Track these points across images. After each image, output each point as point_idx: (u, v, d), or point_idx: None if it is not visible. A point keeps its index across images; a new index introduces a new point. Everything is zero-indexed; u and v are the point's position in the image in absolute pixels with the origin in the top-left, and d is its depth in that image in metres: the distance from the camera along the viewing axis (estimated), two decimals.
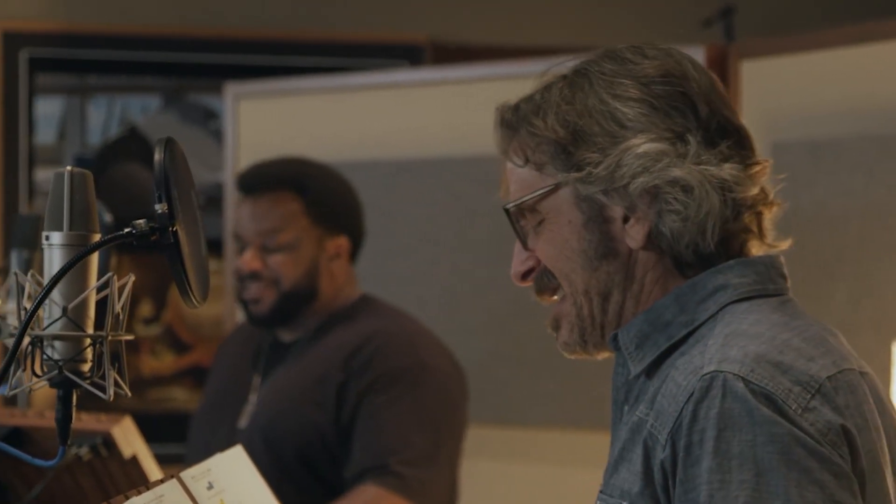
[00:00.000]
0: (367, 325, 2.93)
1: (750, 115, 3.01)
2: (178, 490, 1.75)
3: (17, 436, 2.36)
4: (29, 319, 1.63)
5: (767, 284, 1.67)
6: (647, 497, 1.57)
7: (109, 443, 2.33)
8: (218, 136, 4.38)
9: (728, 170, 1.64)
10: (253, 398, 2.98)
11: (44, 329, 1.66)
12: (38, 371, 1.66)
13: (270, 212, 2.93)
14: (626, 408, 1.71)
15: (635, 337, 1.68)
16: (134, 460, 2.33)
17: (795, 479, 1.49)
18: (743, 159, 1.67)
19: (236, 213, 3.02)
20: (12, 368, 1.65)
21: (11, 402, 4.02)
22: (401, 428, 2.80)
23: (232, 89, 3.98)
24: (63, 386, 1.68)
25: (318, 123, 3.89)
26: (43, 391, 1.71)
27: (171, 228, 1.67)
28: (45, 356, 1.66)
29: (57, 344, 1.66)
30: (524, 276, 1.75)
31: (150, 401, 4.61)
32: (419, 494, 2.76)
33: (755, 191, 1.67)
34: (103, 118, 4.64)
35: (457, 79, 3.76)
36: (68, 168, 1.68)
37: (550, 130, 1.67)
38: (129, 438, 2.34)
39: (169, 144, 1.70)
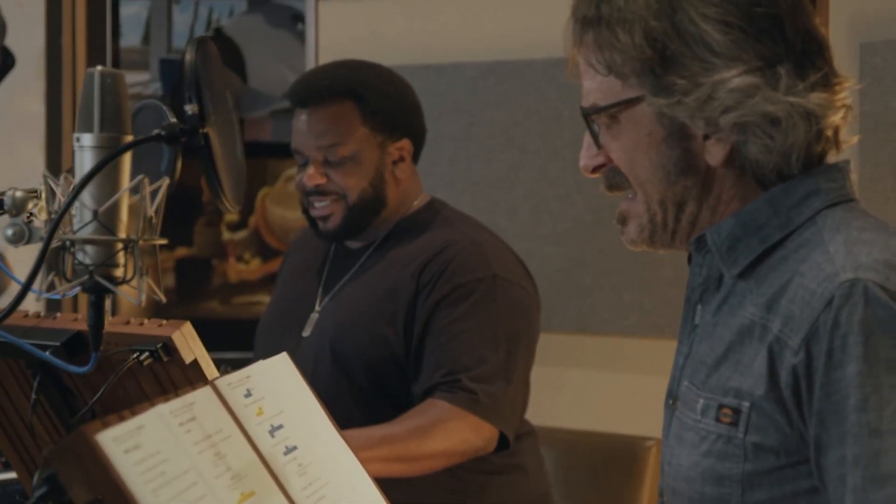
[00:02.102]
0: (437, 236, 2.85)
1: (838, 17, 2.93)
2: (210, 397, 1.71)
3: (79, 340, 2.35)
4: (57, 222, 1.60)
5: (848, 189, 1.71)
6: (771, 400, 1.60)
7: (170, 348, 2.31)
8: (304, 38, 4.33)
9: (815, 99, 1.65)
10: (319, 307, 2.94)
11: (74, 233, 1.62)
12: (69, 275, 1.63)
13: (328, 125, 2.84)
14: (699, 307, 1.76)
15: (727, 239, 1.70)
16: (195, 365, 2.31)
17: None
18: (827, 81, 1.68)
19: (294, 126, 2.90)
20: (43, 272, 1.62)
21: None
22: (473, 343, 2.73)
23: None
24: (94, 291, 1.66)
25: (400, 25, 3.82)
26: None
27: (200, 130, 1.63)
28: (76, 261, 1.63)
29: (88, 248, 1.63)
30: (594, 170, 1.77)
31: (237, 306, 4.61)
32: (490, 410, 2.70)
33: (840, 115, 1.69)
34: (189, 21, 4.61)
35: None
36: (98, 68, 1.64)
37: (637, 49, 1.67)
38: (189, 343, 2.32)
39: (201, 44, 1.67)
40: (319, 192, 2.86)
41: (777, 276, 1.65)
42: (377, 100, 2.86)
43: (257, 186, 4.53)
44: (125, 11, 4.54)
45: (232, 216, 4.56)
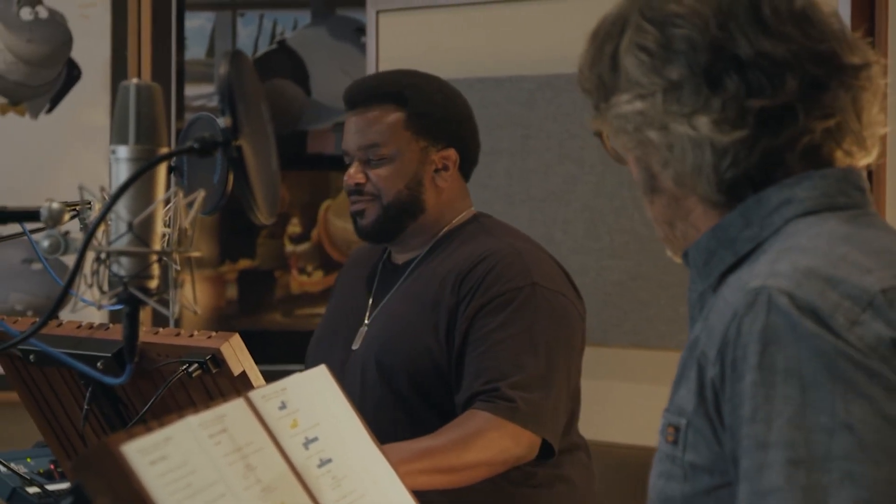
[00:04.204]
0: (477, 247, 2.87)
1: None
2: (243, 410, 1.71)
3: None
4: (91, 234, 1.61)
5: (837, 198, 1.61)
6: (700, 415, 1.54)
7: (218, 360, 2.33)
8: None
9: (704, 125, 1.58)
10: (368, 320, 2.96)
11: (109, 245, 1.63)
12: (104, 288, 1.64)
13: (372, 125, 2.90)
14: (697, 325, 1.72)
15: (702, 253, 1.66)
16: (243, 376, 2.34)
17: (842, 392, 1.44)
18: (768, 98, 1.57)
19: (344, 127, 2.98)
20: (80, 284, 1.64)
21: (162, 321, 4.07)
22: (512, 351, 2.73)
23: (373, 3, 3.95)
24: (129, 303, 1.66)
25: (458, 38, 3.83)
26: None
27: (233, 142, 1.64)
28: (111, 273, 1.64)
29: (123, 260, 1.64)
30: None
31: (300, 318, 4.63)
32: (530, 418, 2.69)
33: (742, 134, 1.58)
34: (253, 33, 4.64)
35: None
36: (134, 80, 1.65)
37: (587, 70, 1.69)
38: (238, 355, 2.35)
39: (236, 57, 1.67)
40: (358, 191, 2.92)
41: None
42: (422, 105, 2.91)
43: (320, 199, 4.55)
44: (190, 24, 4.57)
45: (295, 228, 4.58)
